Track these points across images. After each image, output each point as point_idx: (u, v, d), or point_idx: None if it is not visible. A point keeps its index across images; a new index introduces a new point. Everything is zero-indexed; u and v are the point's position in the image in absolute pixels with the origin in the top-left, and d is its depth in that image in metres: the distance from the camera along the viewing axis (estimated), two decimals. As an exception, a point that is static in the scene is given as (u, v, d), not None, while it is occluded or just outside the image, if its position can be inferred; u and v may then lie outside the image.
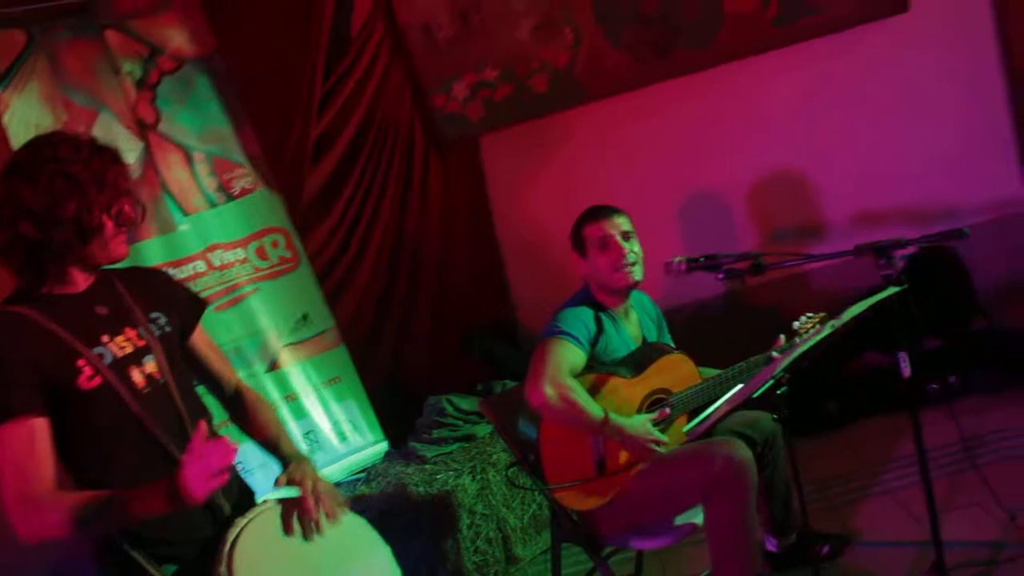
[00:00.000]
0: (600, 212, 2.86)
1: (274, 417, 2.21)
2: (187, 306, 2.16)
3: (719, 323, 4.09)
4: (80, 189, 1.83)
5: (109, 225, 1.89)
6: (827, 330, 2.24)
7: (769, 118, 4.31)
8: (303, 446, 3.72)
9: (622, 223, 2.84)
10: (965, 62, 4.26)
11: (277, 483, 2.03)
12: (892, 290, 2.33)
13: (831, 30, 4.17)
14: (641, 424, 2.63)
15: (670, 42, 4.18)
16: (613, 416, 2.60)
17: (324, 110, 3.99)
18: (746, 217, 4.39)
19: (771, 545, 3.03)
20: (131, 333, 1.96)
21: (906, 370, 2.43)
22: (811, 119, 4.30)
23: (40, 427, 1.80)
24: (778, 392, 2.36)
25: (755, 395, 2.18)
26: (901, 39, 4.20)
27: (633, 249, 2.81)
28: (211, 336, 2.24)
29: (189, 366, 2.14)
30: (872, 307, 2.32)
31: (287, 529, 1.96)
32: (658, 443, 2.62)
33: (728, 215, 4.38)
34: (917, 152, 4.29)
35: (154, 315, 2.03)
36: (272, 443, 2.14)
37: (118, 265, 2.02)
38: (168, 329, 2.04)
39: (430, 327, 4.28)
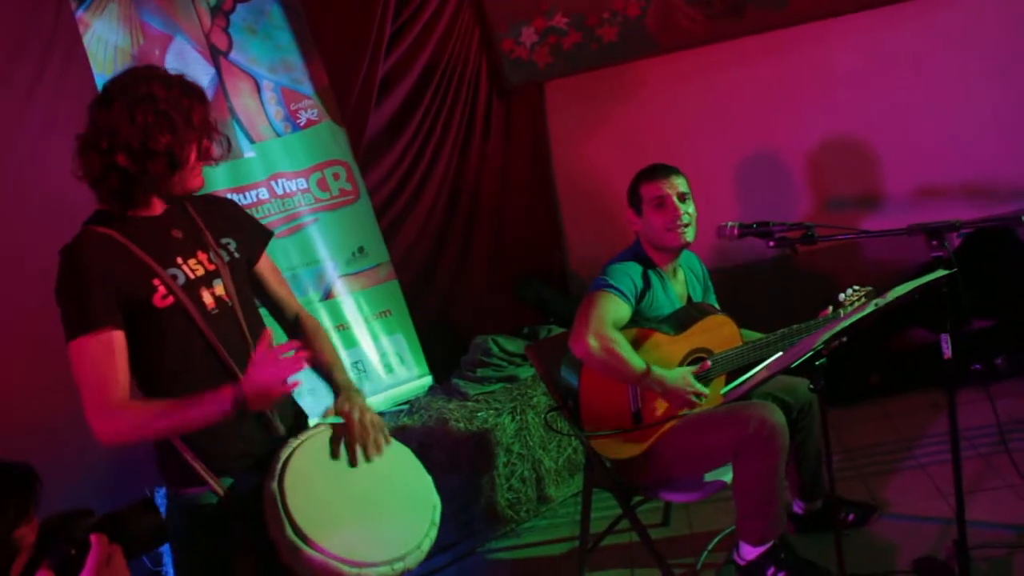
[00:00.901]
0: (658, 171, 2.89)
1: (330, 345, 2.31)
2: (254, 234, 2.27)
3: (766, 287, 4.10)
4: (172, 127, 1.94)
5: (193, 158, 2.00)
6: (871, 307, 2.26)
7: (836, 84, 4.25)
8: (352, 375, 3.84)
9: (679, 183, 2.87)
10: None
11: (326, 414, 2.14)
12: (941, 273, 2.34)
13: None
14: (681, 376, 2.70)
15: (744, 1, 4.13)
16: (655, 368, 2.67)
17: (392, 48, 4.04)
18: (804, 182, 4.36)
19: (798, 508, 3.10)
20: (203, 256, 2.08)
21: (947, 351, 2.45)
22: (878, 88, 4.23)
23: (118, 339, 1.93)
24: (817, 364, 2.39)
25: (793, 365, 2.22)
26: (988, 7, 4.09)
27: (688, 211, 2.85)
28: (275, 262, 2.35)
29: (254, 291, 2.25)
30: (920, 288, 2.34)
31: (335, 454, 2.07)
32: (698, 394, 2.69)
33: (787, 179, 4.36)
34: (985, 128, 4.19)
35: (224, 240, 2.14)
36: (327, 369, 2.24)
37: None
38: (237, 255, 2.15)
39: (483, 268, 4.36)
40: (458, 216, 4.29)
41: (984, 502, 3.03)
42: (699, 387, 2.70)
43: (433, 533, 2.08)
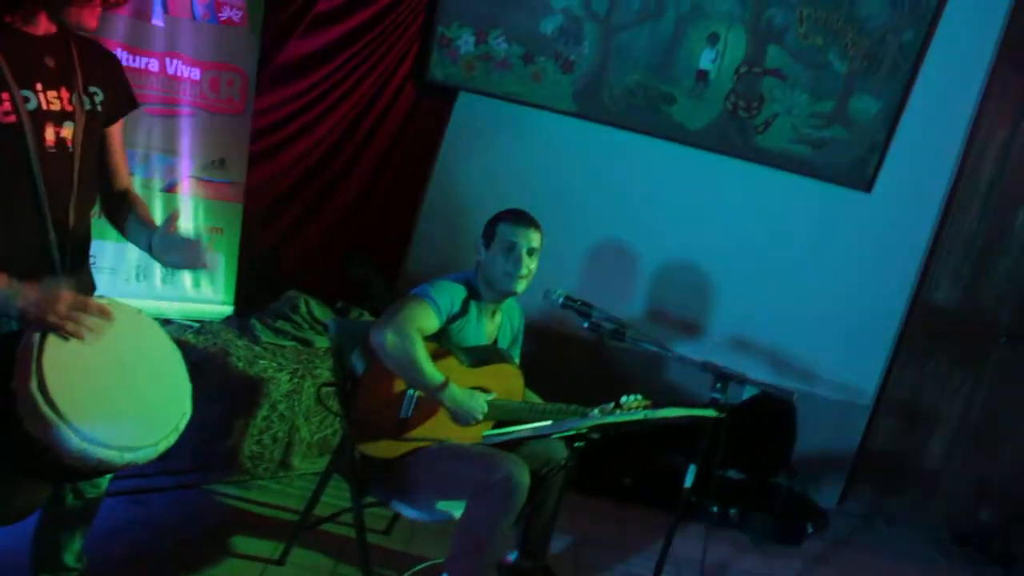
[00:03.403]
0: (522, 220, 3.00)
1: (150, 218, 2.31)
2: (124, 97, 2.24)
3: (569, 361, 4.29)
4: None
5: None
6: (640, 416, 2.44)
7: (712, 219, 4.54)
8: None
9: (534, 239, 2.99)
10: (893, 262, 4.59)
11: None
12: (710, 413, 2.55)
13: (801, 172, 4.45)
14: (480, 399, 2.81)
15: (664, 105, 4.37)
16: (454, 386, 2.76)
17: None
18: (646, 286, 4.61)
19: (509, 559, 3.23)
20: (65, 94, 2.03)
21: (689, 481, 2.67)
22: (748, 237, 4.56)
23: None
24: (576, 444, 2.56)
25: (556, 435, 2.36)
26: (854, 210, 4.51)
27: (530, 266, 2.98)
28: (131, 135, 2.32)
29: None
30: (688, 417, 2.54)
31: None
32: (479, 420, 2.81)
33: (632, 277, 4.59)
34: (817, 310, 4.59)
35: (93, 89, 2.10)
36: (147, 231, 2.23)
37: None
38: (99, 109, 2.11)
39: (327, 231, 4.35)
40: (326, 173, 4.27)
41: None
42: (483, 412, 2.82)
43: (173, 438, 2.08)
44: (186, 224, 3.76)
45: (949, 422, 4.76)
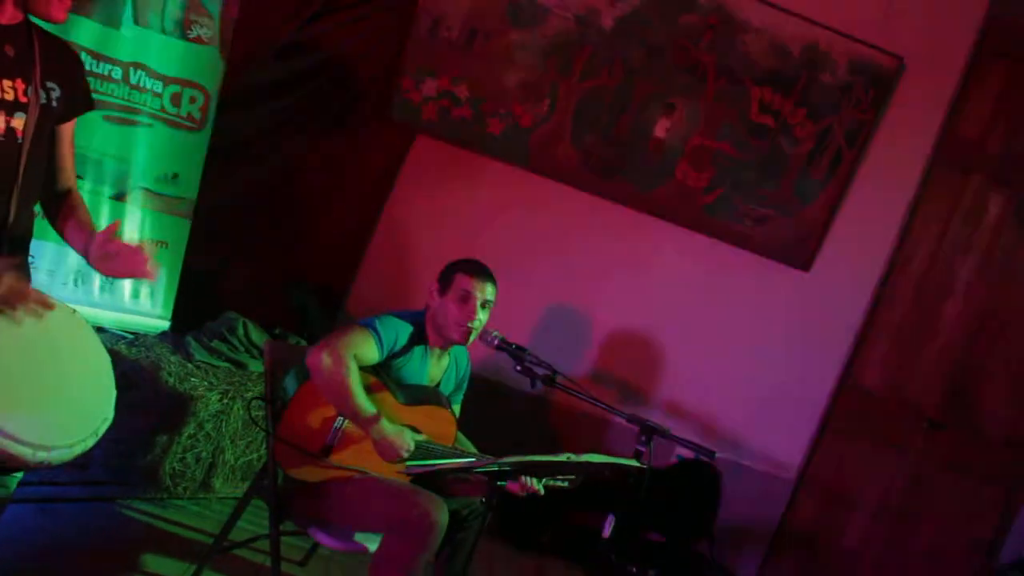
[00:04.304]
0: (480, 272, 3.03)
1: (91, 222, 2.29)
2: (81, 97, 2.25)
3: (510, 415, 4.30)
4: None
5: None
6: (563, 459, 2.47)
7: (655, 285, 4.63)
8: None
9: (489, 292, 3.02)
10: (824, 343, 4.71)
11: None
12: (633, 463, 2.60)
13: (742, 245, 4.58)
14: (408, 436, 2.79)
15: (618, 169, 4.48)
16: (385, 421, 2.75)
17: (312, 21, 4.09)
18: (592, 349, 4.66)
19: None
20: (20, 85, 2.03)
21: (607, 531, 2.70)
22: (688, 304, 4.65)
23: None
24: (499, 483, 2.57)
25: (476, 471, 2.38)
26: (791, 287, 4.64)
27: (481, 318, 3.00)
28: (87, 139, 2.32)
29: None
30: (612, 468, 2.57)
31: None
32: (403, 458, 2.79)
33: (579, 338, 4.64)
34: (750, 382, 4.68)
35: (50, 84, 2.11)
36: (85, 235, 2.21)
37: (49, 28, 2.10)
38: (55, 104, 2.12)
39: (274, 255, 4.35)
40: (278, 199, 4.29)
41: None
42: (410, 448, 2.80)
43: (91, 443, 2.03)
44: (131, 234, 3.73)
45: (869, 504, 4.85)
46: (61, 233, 2.28)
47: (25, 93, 2.04)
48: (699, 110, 4.46)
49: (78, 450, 2.00)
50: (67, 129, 2.24)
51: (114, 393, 2.16)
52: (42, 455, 1.90)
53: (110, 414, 2.11)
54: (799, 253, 4.61)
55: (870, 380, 4.77)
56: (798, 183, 4.54)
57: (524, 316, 4.55)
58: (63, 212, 2.26)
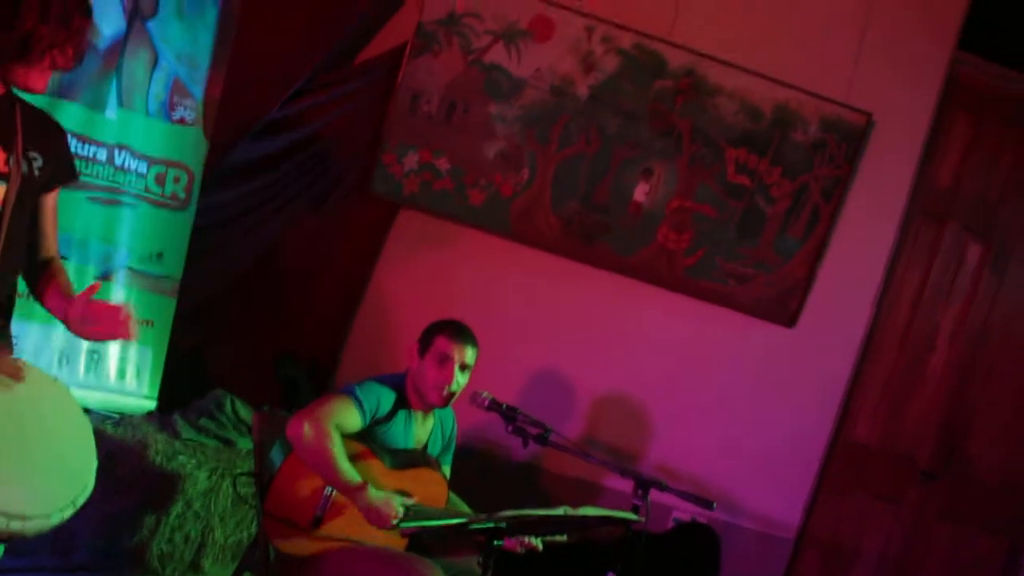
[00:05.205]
0: (459, 335, 3.02)
1: (71, 287, 2.29)
2: (64, 167, 2.27)
3: (500, 478, 4.27)
4: (45, 17, 1.95)
5: (47, 61, 2.02)
6: (558, 512, 2.44)
7: (642, 349, 4.62)
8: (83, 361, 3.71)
9: (469, 356, 3.01)
10: (814, 399, 4.69)
11: None
12: (629, 516, 2.57)
13: (726, 305, 4.60)
14: (396, 502, 2.72)
15: (600, 234, 4.53)
16: (372, 489, 2.70)
17: (293, 99, 4.18)
18: (582, 414, 4.62)
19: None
20: (2, 155, 2.05)
21: (605, 590, 2.66)
22: (676, 366, 4.63)
23: None
24: (494, 543, 2.54)
25: (470, 528, 2.35)
26: (777, 344, 4.64)
27: (460, 382, 3.00)
28: (71, 219, 2.33)
29: None
30: (607, 519, 2.54)
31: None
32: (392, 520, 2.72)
33: (568, 404, 4.61)
34: (742, 442, 4.64)
35: (32, 154, 2.12)
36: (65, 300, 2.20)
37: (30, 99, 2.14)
38: (36, 174, 2.14)
39: (262, 332, 4.35)
40: (264, 274, 4.31)
41: None
42: (399, 512, 2.74)
43: (68, 513, 1.97)
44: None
45: (869, 558, 4.79)
46: (41, 300, 2.27)
47: (7, 163, 2.06)
48: (676, 173, 4.54)
49: (55, 520, 1.94)
50: (50, 199, 2.26)
51: (95, 462, 2.11)
52: (16, 525, 1.84)
53: (91, 483, 2.06)
54: (783, 310, 4.63)
55: (862, 433, 4.76)
56: (777, 241, 4.59)
57: (510, 383, 4.51)
58: (43, 279, 2.26)
